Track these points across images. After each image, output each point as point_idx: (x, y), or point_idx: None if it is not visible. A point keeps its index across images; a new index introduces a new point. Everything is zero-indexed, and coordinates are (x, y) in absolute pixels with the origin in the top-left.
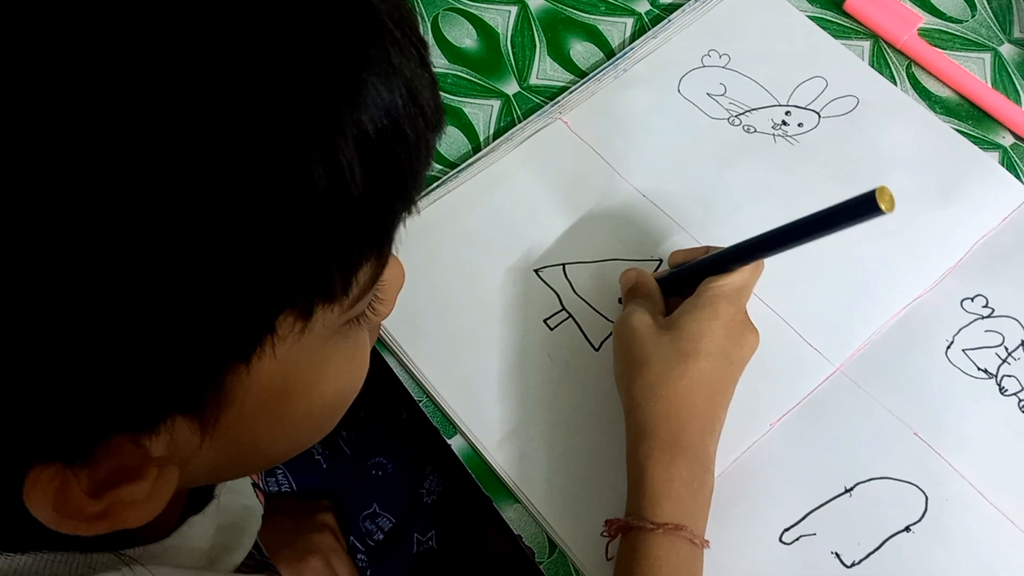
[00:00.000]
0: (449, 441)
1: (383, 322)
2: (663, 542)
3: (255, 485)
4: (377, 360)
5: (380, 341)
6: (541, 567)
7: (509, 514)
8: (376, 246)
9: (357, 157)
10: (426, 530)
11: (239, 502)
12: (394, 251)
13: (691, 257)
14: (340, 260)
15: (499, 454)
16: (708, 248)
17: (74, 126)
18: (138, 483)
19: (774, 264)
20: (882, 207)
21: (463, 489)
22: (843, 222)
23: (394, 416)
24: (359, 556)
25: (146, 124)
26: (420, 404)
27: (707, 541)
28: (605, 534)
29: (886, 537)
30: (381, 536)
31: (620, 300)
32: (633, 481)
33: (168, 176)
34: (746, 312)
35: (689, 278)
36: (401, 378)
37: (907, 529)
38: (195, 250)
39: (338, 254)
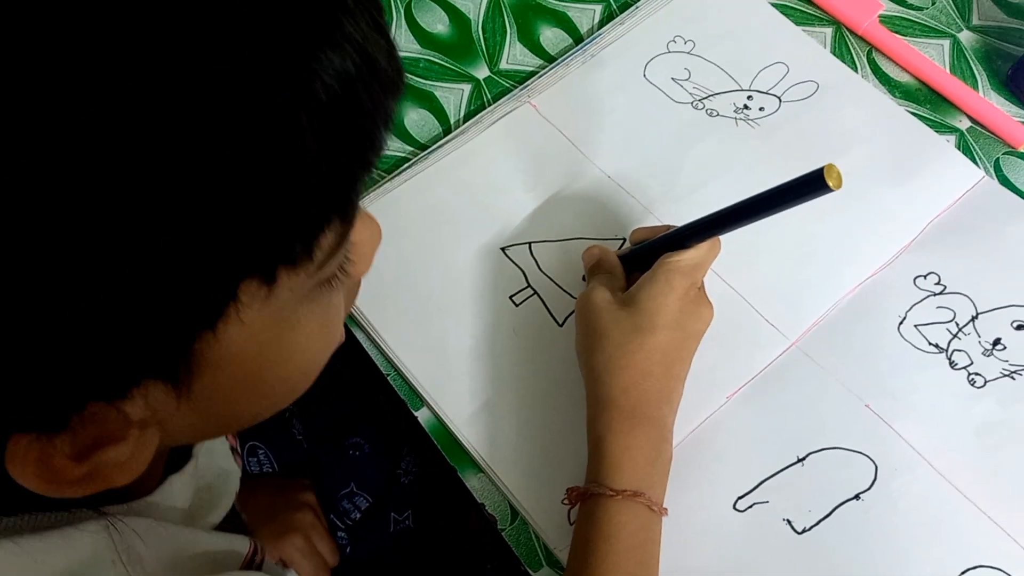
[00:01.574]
0: (416, 413)
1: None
2: (621, 508)
3: (233, 449)
4: (356, 341)
5: (350, 317)
6: (503, 534)
7: (473, 483)
8: (337, 210)
9: (310, 125)
10: (403, 509)
11: (216, 464)
12: (373, 213)
13: (653, 234)
14: (299, 226)
15: (464, 425)
16: (669, 226)
17: (18, 105)
18: (120, 445)
19: (733, 241)
20: (830, 184)
21: (440, 470)
22: (793, 199)
23: (372, 398)
24: (339, 534)
25: (95, 98)
26: (388, 378)
27: (665, 509)
28: (566, 502)
29: (836, 505)
30: (358, 515)
31: (584, 278)
32: (593, 450)
33: (123, 149)
34: (702, 286)
35: (649, 255)
36: (370, 352)
37: (857, 497)
38: (154, 221)
39: (297, 220)
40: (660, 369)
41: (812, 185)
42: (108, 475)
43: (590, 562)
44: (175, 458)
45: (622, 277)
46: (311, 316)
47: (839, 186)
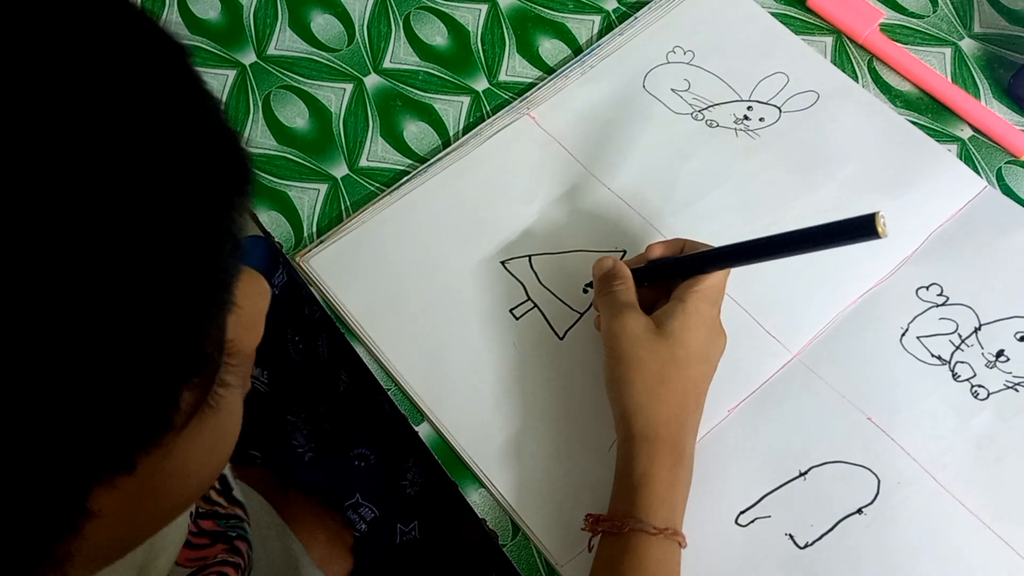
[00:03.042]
0: (416, 428)
1: (355, 315)
2: (662, 546)
3: None
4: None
5: (350, 331)
6: (504, 549)
7: (474, 498)
8: (193, 371)
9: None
10: (408, 521)
11: None
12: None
13: (669, 250)
14: (143, 416)
15: (464, 440)
16: (685, 242)
17: None
18: None
19: None
20: (879, 230)
21: (444, 481)
22: (836, 241)
23: (377, 408)
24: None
25: None
26: (388, 392)
27: (686, 540)
28: (585, 529)
29: (839, 519)
30: (364, 526)
31: (584, 289)
32: (628, 482)
33: None
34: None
35: (666, 272)
36: (370, 367)
37: (859, 511)
38: None
39: (138, 414)
40: (693, 401)
41: (860, 230)
42: None
43: None
44: None
45: (635, 290)
46: (192, 449)
47: (885, 235)
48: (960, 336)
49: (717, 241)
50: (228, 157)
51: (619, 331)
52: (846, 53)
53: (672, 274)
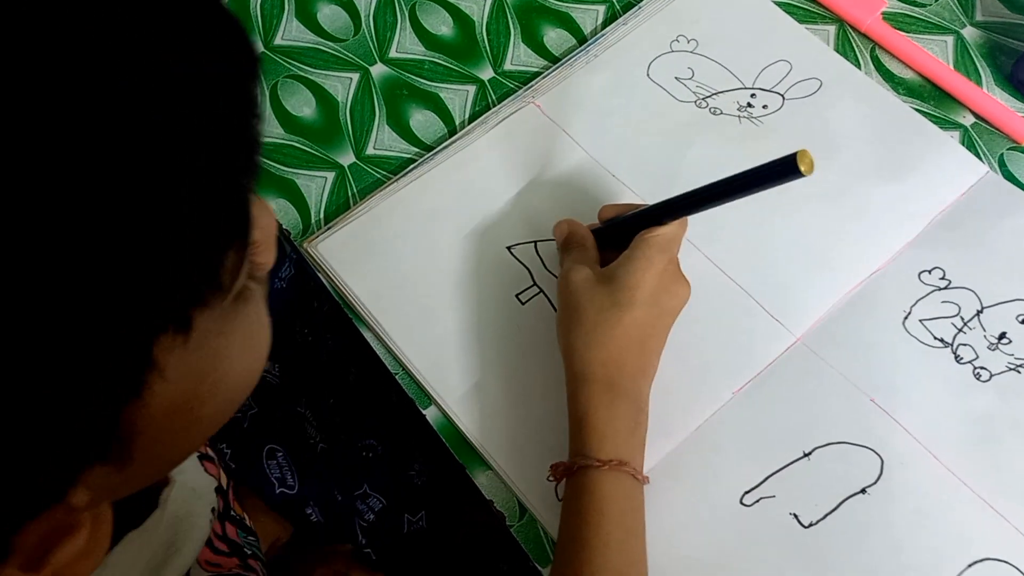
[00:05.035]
0: (424, 412)
1: (362, 300)
2: (608, 478)
3: (204, 457)
4: (366, 342)
5: (358, 316)
6: (512, 530)
7: (481, 480)
8: (236, 233)
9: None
10: (416, 511)
11: (185, 487)
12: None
13: (622, 211)
14: (201, 265)
15: (471, 423)
16: (637, 205)
17: None
18: (75, 537)
19: (737, 237)
20: (801, 169)
21: (452, 471)
22: (767, 182)
23: (384, 400)
24: (365, 551)
25: None
26: (396, 377)
27: (647, 477)
28: (550, 478)
29: (842, 499)
30: (372, 516)
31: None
32: (576, 424)
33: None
34: (678, 263)
35: (623, 231)
36: (378, 352)
37: (863, 491)
38: (49, 310)
39: (197, 260)
40: (635, 344)
41: (784, 169)
42: (73, 571)
43: (582, 532)
44: (133, 506)
45: (594, 249)
46: (234, 336)
47: (811, 171)
48: (962, 319)
49: (718, 224)
50: (245, 40)
51: (564, 283)
52: (849, 41)
53: (628, 232)
